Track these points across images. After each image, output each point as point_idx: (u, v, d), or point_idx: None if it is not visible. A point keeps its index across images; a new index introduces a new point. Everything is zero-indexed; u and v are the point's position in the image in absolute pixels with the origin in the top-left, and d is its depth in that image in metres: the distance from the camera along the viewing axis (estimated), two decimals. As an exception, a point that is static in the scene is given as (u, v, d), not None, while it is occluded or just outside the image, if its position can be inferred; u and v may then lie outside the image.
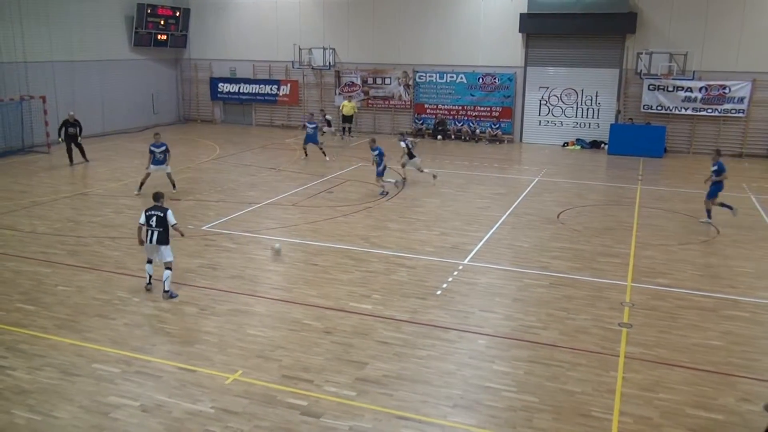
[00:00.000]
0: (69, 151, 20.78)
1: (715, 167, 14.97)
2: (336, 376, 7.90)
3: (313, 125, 22.53)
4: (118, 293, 10.45)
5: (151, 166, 17.12)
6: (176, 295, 10.26)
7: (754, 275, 11.76)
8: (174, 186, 17.30)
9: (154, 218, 10.23)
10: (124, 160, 22.29)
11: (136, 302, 10.08)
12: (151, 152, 17.07)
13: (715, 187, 14.92)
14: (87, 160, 21.24)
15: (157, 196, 10.67)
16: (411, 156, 18.92)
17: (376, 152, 17.52)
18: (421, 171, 18.97)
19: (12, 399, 7.34)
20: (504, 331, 9.32)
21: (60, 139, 20.78)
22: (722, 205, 14.86)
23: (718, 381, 7.98)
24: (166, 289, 10.23)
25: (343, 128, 28.49)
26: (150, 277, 10.53)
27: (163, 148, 17.16)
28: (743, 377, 8.07)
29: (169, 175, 17.27)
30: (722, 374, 8.14)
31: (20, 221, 14.51)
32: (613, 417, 7.15)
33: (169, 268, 10.29)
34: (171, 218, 10.29)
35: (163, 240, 10.22)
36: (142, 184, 17.10)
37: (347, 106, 28.25)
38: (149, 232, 10.23)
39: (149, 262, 10.50)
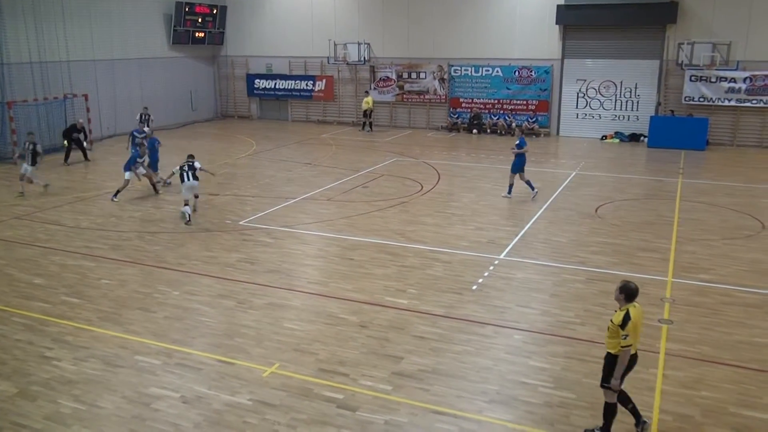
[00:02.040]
0: (68, 151, 21.23)
1: (518, 142, 16.16)
2: (372, 370, 7.94)
3: None
4: (158, 287, 10.68)
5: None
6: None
7: (802, 271, 11.38)
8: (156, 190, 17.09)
9: (187, 166, 14.46)
10: (163, 156, 22.65)
11: (176, 296, 10.29)
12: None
13: (518, 161, 16.16)
14: (87, 159, 21.69)
15: (192, 156, 14.90)
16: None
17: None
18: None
19: (58, 389, 7.57)
20: (540, 326, 9.23)
21: (64, 143, 21.24)
22: (528, 182, 16.13)
23: (764, 379, 7.76)
24: (195, 208, 14.65)
25: (363, 122, 28.60)
26: (189, 215, 14.14)
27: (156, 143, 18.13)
28: (790, 376, 7.83)
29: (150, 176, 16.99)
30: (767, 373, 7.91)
31: (65, 216, 14.94)
32: (654, 415, 7.02)
33: (197, 197, 14.88)
34: (198, 164, 14.59)
35: (196, 178, 14.48)
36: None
37: (365, 101, 28.34)
38: (187, 175, 14.33)
39: (186, 204, 14.28)
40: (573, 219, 14.58)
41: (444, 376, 7.82)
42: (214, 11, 30.84)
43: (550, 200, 16.25)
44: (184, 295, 10.34)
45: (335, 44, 29.26)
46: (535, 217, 14.76)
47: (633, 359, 6.47)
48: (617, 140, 26.02)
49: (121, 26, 26.65)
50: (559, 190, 17.43)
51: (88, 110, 23.94)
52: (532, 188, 16.23)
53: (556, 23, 25.89)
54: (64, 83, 24.04)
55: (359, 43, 28.98)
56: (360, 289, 10.55)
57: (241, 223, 14.35)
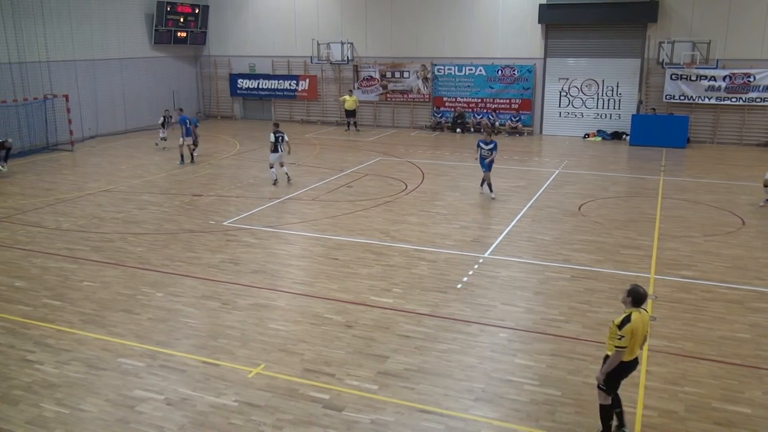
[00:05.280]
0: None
1: (491, 145, 16.21)
2: (357, 370, 7.92)
3: None
4: (141, 288, 10.58)
5: (187, 138, 20.71)
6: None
7: (782, 267, 11.55)
8: (192, 159, 21.01)
9: (280, 137, 17.40)
10: (145, 157, 22.54)
11: (159, 297, 10.20)
12: (185, 125, 20.58)
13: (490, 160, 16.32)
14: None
15: (278, 123, 18.25)
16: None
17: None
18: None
19: (40, 393, 7.47)
20: (526, 324, 9.28)
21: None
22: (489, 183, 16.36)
23: (745, 374, 7.86)
24: (288, 177, 17.93)
25: (348, 122, 28.59)
26: (276, 178, 17.60)
27: (184, 119, 20.74)
28: (771, 370, 7.94)
29: (189, 147, 20.97)
30: (750, 367, 8.01)
31: (46, 218, 14.75)
32: (638, 410, 7.08)
33: (282, 165, 17.81)
34: (286, 137, 17.54)
35: (284, 149, 17.48)
36: (182, 156, 20.97)
37: (349, 101, 28.34)
38: (278, 146, 17.35)
39: (272, 167, 17.82)
40: (557, 217, 14.67)
41: (430, 374, 7.83)
42: (196, 11, 30.63)
43: (533, 199, 16.34)
44: (167, 296, 10.25)
45: (318, 44, 29.21)
46: (519, 215, 14.83)
47: (631, 365, 6.41)
48: (599, 138, 26.23)
49: (101, 26, 26.39)
50: (543, 188, 17.53)
51: (68, 111, 23.65)
52: (491, 190, 16.44)
53: (539, 22, 26.04)
54: (44, 84, 23.76)
55: (342, 43, 28.94)
56: (345, 288, 10.53)
57: (225, 223, 14.27)
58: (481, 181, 16.88)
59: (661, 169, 20.12)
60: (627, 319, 6.17)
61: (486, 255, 12.13)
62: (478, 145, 16.38)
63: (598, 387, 6.49)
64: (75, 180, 18.95)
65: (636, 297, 6.27)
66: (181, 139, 20.83)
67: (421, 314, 9.52)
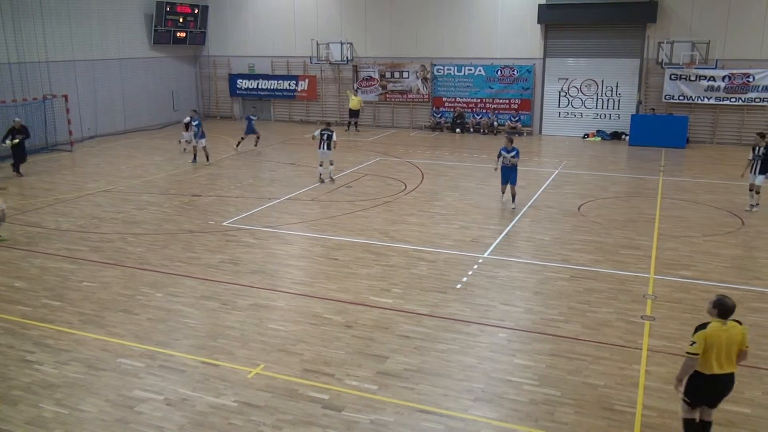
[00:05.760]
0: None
1: (513, 152, 15.20)
2: (357, 370, 7.92)
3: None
4: (141, 289, 10.58)
5: (199, 140, 20.63)
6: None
7: (781, 267, 11.56)
8: (208, 158, 20.73)
9: (326, 135, 17.53)
10: (145, 157, 22.54)
11: (158, 297, 10.20)
12: (196, 126, 20.51)
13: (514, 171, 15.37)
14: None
15: (329, 123, 18.48)
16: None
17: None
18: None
19: (40, 393, 7.47)
20: (525, 324, 9.28)
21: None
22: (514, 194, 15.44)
23: (745, 374, 7.83)
24: (333, 178, 18.15)
25: (348, 122, 28.62)
26: (321, 175, 17.95)
27: (197, 121, 20.59)
28: (770, 370, 7.95)
29: (204, 148, 20.66)
30: (749, 367, 8.00)
31: (45, 218, 14.75)
32: (637, 410, 7.08)
33: (332, 163, 18.06)
34: (335, 136, 17.70)
35: (331, 148, 17.62)
36: (195, 155, 20.95)
37: (354, 100, 28.40)
38: (323, 143, 17.51)
39: (321, 165, 17.97)
40: (556, 217, 14.68)
41: (429, 375, 7.83)
42: (196, 11, 30.62)
43: (533, 199, 16.34)
44: (167, 296, 10.25)
45: (318, 44, 29.20)
46: (519, 215, 14.84)
47: (711, 380, 6.01)
48: (599, 138, 26.24)
49: (101, 26, 26.38)
50: (542, 188, 17.54)
51: (68, 111, 23.64)
52: (514, 200, 15.44)
53: (538, 22, 26.05)
54: (44, 84, 23.74)
55: (342, 43, 28.94)
56: (344, 289, 10.53)
57: (224, 223, 14.26)
58: (502, 191, 15.84)
59: (660, 169, 20.13)
60: (702, 326, 5.91)
61: (485, 255, 12.13)
62: (500, 154, 15.26)
63: (682, 398, 6.24)
64: (74, 180, 18.94)
65: (721, 308, 5.93)
66: (194, 141, 20.80)
67: (421, 314, 9.52)
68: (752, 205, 15.11)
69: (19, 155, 19.25)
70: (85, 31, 25.63)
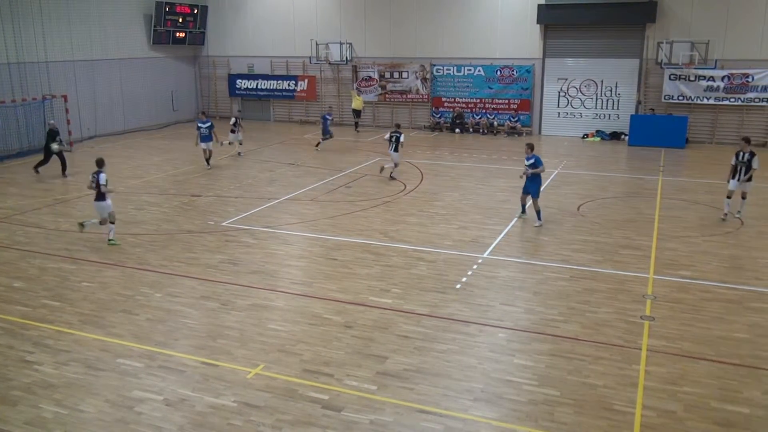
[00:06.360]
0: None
1: (532, 160, 13.78)
2: (356, 370, 7.92)
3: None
4: (141, 289, 10.57)
5: (200, 143, 20.08)
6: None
7: (780, 267, 11.57)
8: (208, 163, 20.20)
9: (395, 137, 18.05)
10: (145, 157, 22.53)
11: (158, 298, 10.20)
12: (198, 128, 19.98)
13: (536, 183, 13.90)
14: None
15: (399, 125, 19.51)
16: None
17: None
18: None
19: (39, 393, 7.47)
20: (525, 324, 9.28)
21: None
22: (538, 211, 13.90)
23: (744, 374, 7.86)
24: (393, 176, 18.50)
25: (356, 122, 28.68)
26: (383, 170, 18.52)
27: (209, 124, 19.98)
28: (769, 370, 7.95)
29: (211, 151, 20.30)
30: (748, 367, 8.02)
31: (45, 219, 14.74)
32: (636, 410, 7.08)
33: (397, 165, 18.54)
34: (402, 138, 18.12)
35: (397, 149, 18.22)
36: (207, 159, 20.27)
37: (357, 100, 28.45)
38: (392, 145, 18.12)
39: (396, 165, 18.44)
40: (556, 217, 14.67)
41: (429, 375, 7.83)
42: (195, 11, 30.62)
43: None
44: (166, 297, 10.25)
45: (317, 44, 29.20)
46: (518, 215, 14.82)
47: None
48: (598, 139, 26.24)
49: (100, 26, 26.37)
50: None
51: (67, 111, 23.65)
52: (539, 218, 13.96)
53: (537, 23, 26.06)
54: (43, 84, 23.73)
55: (341, 43, 28.94)
56: (344, 289, 10.53)
57: (223, 224, 14.26)
58: (521, 202, 14.48)
59: (659, 170, 20.14)
60: None
61: (485, 255, 12.13)
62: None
63: None
64: (74, 181, 18.93)
65: None
66: (205, 144, 20.09)
67: (420, 314, 9.52)
68: (726, 214, 14.35)
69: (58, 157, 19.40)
70: (84, 31, 25.63)
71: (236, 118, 22.36)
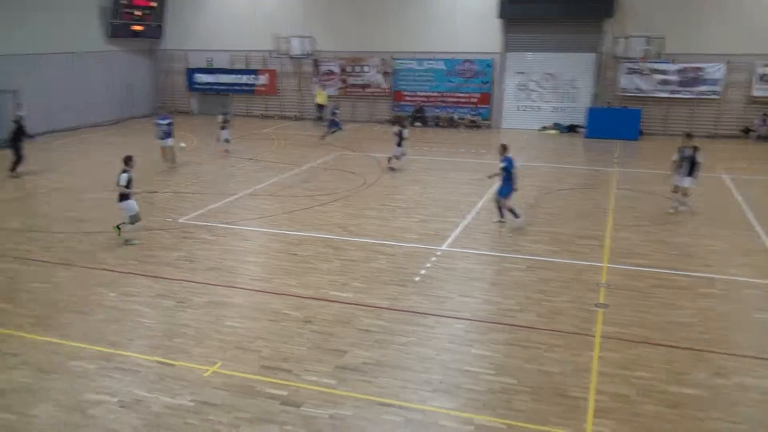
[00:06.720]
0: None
1: (503, 164, 13.34)
2: (316, 365, 7.90)
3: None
4: (95, 288, 10.32)
5: (160, 141, 19.19)
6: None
7: (728, 253, 11.95)
8: (174, 161, 19.35)
9: (401, 132, 18.36)
10: (98, 154, 21.99)
11: (112, 297, 9.98)
12: (158, 125, 19.17)
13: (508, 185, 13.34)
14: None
15: (400, 119, 19.97)
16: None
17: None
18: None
19: (-13, 398, 7.25)
20: (482, 315, 9.38)
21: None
22: (512, 209, 13.38)
23: (693, 357, 8.11)
24: (393, 168, 18.81)
25: (319, 116, 28.51)
26: (390, 161, 18.86)
27: (168, 120, 19.20)
28: (717, 353, 8.21)
29: (172, 148, 19.27)
30: (697, 350, 8.27)
31: (-7, 218, 14.27)
32: (590, 395, 7.24)
33: (398, 158, 18.74)
34: (404, 134, 18.59)
35: (401, 144, 18.48)
36: (169, 159, 19.33)
37: (321, 94, 28.32)
38: (396, 139, 18.42)
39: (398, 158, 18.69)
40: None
41: (388, 367, 7.86)
42: (153, 3, 29.96)
43: (491, 191, 16.46)
44: (121, 296, 10.04)
45: (278, 38, 28.90)
46: (477, 207, 14.98)
47: None
48: (556, 131, 26.64)
49: (54, 18, 25.52)
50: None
51: (18, 106, 22.85)
52: (516, 215, 13.36)
53: (498, 17, 26.27)
54: (-7, 78, 22.94)
55: (302, 37, 28.70)
56: (304, 284, 10.48)
57: (181, 220, 14.03)
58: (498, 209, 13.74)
59: (614, 161, 20.56)
60: None
61: (444, 247, 12.22)
62: None
63: None
64: (23, 179, 18.36)
65: None
66: (169, 140, 19.20)
67: (381, 308, 9.54)
68: (675, 207, 14.45)
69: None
70: (39, 23, 24.78)
71: (224, 116, 21.57)
